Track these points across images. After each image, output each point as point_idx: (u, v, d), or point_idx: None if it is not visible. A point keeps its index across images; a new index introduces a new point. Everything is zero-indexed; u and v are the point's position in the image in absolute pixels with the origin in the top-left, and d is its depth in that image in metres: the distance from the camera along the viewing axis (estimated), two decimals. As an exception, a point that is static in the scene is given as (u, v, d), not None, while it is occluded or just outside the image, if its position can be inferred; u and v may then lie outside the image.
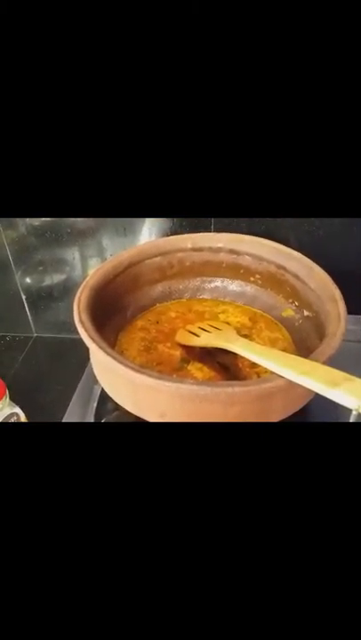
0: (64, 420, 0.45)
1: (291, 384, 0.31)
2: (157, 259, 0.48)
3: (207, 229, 0.54)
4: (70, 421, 0.44)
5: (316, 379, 0.29)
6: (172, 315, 0.49)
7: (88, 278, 0.42)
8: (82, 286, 0.41)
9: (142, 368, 0.33)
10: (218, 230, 0.53)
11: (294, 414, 0.37)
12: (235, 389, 0.32)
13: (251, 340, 0.44)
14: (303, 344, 0.43)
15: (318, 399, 0.40)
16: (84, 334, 0.36)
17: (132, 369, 0.33)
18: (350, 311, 0.38)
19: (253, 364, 0.41)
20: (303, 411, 0.40)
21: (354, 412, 0.26)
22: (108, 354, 0.34)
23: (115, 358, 0.34)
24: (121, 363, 0.33)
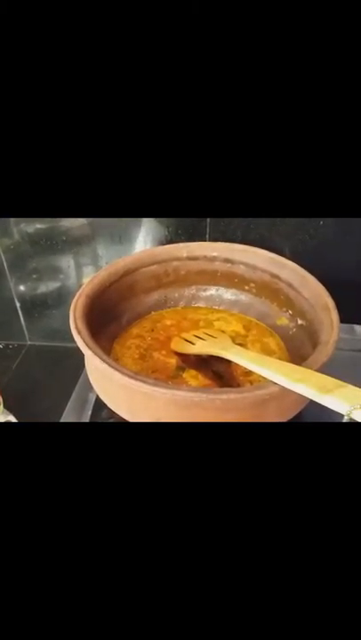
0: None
1: (285, 391, 0.31)
2: (153, 267, 0.48)
3: (202, 238, 0.55)
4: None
5: (309, 385, 0.29)
6: (168, 323, 0.49)
7: (84, 286, 0.43)
8: (78, 294, 0.42)
9: (138, 375, 0.33)
10: (213, 239, 0.53)
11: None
12: (230, 396, 0.32)
13: (245, 348, 0.44)
14: (297, 352, 0.43)
15: (311, 408, 0.40)
16: (80, 341, 0.36)
17: (128, 375, 0.33)
18: (343, 320, 0.39)
19: (248, 373, 0.42)
20: (297, 418, 0.41)
21: (346, 418, 0.26)
22: (104, 361, 0.34)
23: (110, 365, 0.34)
24: (116, 369, 0.33)
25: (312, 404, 0.33)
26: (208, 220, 0.54)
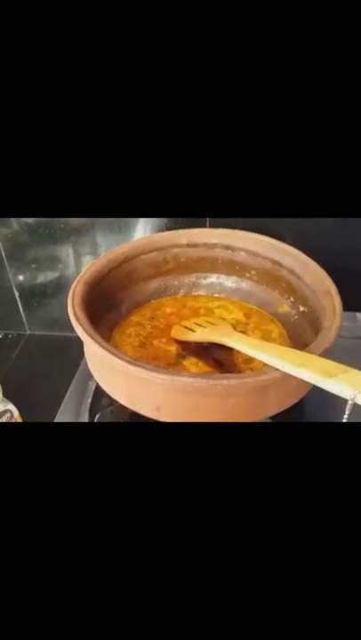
0: (58, 416, 0.44)
1: (287, 376, 0.31)
2: (152, 254, 0.48)
3: (202, 225, 0.54)
4: (64, 418, 0.44)
5: (312, 370, 0.29)
6: (168, 310, 0.48)
7: (82, 273, 0.42)
8: (76, 281, 0.41)
9: (137, 360, 0.33)
10: (213, 226, 0.53)
11: (290, 410, 0.37)
12: (230, 382, 0.31)
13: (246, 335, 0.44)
14: (299, 339, 0.43)
15: (313, 400, 0.40)
16: (79, 328, 0.36)
17: (127, 361, 0.32)
18: (345, 308, 0.38)
19: (248, 360, 0.41)
20: (300, 410, 0.40)
21: (349, 402, 0.26)
22: (103, 347, 0.34)
23: (109, 351, 0.33)
24: (115, 355, 0.33)
25: (314, 389, 0.33)
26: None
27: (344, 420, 0.26)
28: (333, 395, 0.27)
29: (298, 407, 0.38)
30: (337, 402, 0.43)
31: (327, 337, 0.34)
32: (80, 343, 0.37)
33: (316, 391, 0.36)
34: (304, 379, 0.29)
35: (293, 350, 0.33)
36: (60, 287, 0.63)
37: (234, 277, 0.50)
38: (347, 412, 0.26)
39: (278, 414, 0.36)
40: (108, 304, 0.45)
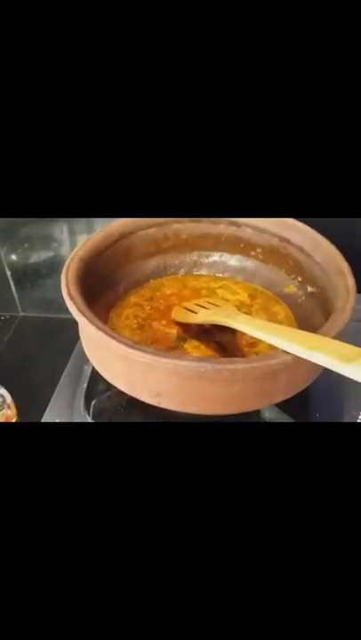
0: (52, 402, 0.42)
1: (297, 360, 0.29)
2: (152, 230, 0.45)
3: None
4: (59, 403, 0.42)
5: (327, 353, 0.26)
6: (168, 291, 0.46)
7: (77, 249, 0.39)
8: (70, 257, 0.38)
9: (137, 344, 0.30)
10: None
11: (297, 398, 0.35)
12: (237, 366, 0.29)
13: (251, 317, 0.42)
14: (306, 322, 0.41)
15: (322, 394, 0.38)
16: (73, 308, 0.33)
17: (126, 345, 0.30)
18: (358, 289, 0.36)
19: (253, 344, 0.39)
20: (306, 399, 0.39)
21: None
22: (100, 328, 0.31)
23: (107, 333, 0.31)
24: (114, 338, 0.31)
25: (322, 374, 0.31)
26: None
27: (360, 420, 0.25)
28: (342, 380, 0.25)
29: (303, 394, 0.36)
30: (342, 390, 0.41)
31: (341, 318, 0.32)
32: (75, 325, 0.35)
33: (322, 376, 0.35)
34: (319, 363, 0.27)
35: (305, 332, 0.31)
36: (55, 267, 0.61)
37: (238, 256, 0.47)
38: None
39: (283, 402, 0.34)
40: (105, 283, 0.43)
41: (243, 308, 0.44)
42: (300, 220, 0.42)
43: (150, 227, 0.45)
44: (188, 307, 0.42)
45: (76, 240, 0.59)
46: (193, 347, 0.40)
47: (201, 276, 0.48)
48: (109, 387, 0.38)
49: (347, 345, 0.27)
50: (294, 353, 0.28)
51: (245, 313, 0.42)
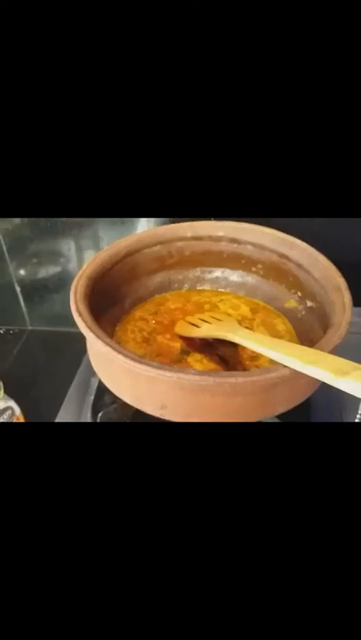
0: (60, 414, 0.44)
1: (296, 374, 0.30)
2: (156, 248, 0.46)
3: (207, 217, 0.53)
4: (66, 415, 0.43)
5: (323, 368, 0.28)
6: (172, 306, 0.47)
7: (85, 267, 0.41)
8: (78, 275, 0.40)
9: (142, 358, 0.32)
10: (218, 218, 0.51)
11: (298, 410, 0.36)
12: (238, 380, 0.30)
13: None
14: (306, 336, 0.42)
15: (321, 398, 0.39)
16: (82, 324, 0.35)
17: (132, 359, 0.31)
18: (355, 303, 0.37)
19: (254, 357, 0.40)
20: (307, 409, 0.39)
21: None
22: (107, 343, 0.33)
23: (113, 348, 0.32)
24: (120, 352, 0.32)
25: (321, 387, 0.32)
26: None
27: (357, 420, 0.25)
28: (342, 393, 0.26)
29: (304, 405, 0.37)
30: (344, 400, 0.42)
31: (337, 333, 0.33)
32: (82, 339, 0.36)
33: (321, 390, 0.36)
34: (315, 377, 0.28)
35: (303, 347, 0.32)
36: (62, 282, 0.63)
37: (239, 271, 0.48)
38: (360, 412, 0.25)
39: (285, 413, 0.35)
40: (111, 299, 0.44)
41: (244, 322, 0.45)
42: (297, 237, 0.44)
43: (155, 244, 0.46)
44: (192, 321, 0.43)
45: (83, 255, 0.61)
46: (196, 360, 0.41)
47: (204, 291, 0.49)
48: (116, 399, 0.39)
49: (342, 359, 0.29)
50: (292, 367, 0.30)
51: (247, 327, 0.44)
